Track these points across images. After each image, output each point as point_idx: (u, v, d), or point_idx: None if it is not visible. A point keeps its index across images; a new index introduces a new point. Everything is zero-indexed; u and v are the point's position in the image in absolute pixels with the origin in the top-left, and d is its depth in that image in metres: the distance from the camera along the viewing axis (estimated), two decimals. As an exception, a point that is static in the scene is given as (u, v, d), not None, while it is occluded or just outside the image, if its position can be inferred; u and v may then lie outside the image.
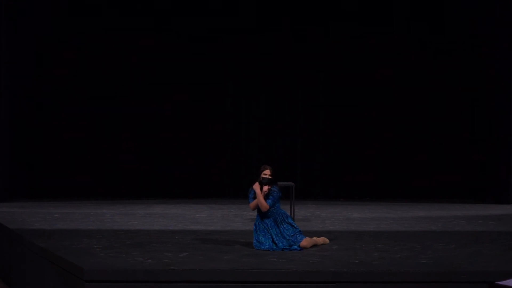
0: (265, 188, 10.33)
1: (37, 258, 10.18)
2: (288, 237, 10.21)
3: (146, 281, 8.47)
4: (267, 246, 10.13)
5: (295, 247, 10.15)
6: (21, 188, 18.35)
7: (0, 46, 17.54)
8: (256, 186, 10.30)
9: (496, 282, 7.44)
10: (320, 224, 13.33)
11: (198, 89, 19.34)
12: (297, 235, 10.28)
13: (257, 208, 10.36)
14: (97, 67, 19.03)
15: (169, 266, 8.75)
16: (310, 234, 11.72)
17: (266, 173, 10.35)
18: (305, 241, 10.28)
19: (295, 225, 10.42)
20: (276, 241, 10.16)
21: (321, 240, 10.60)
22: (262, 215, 10.33)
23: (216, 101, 19.43)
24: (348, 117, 19.45)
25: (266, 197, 10.30)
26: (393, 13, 19.30)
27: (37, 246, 10.25)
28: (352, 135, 19.44)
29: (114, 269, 8.64)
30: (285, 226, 10.29)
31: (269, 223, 10.29)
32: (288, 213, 10.86)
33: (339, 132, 19.50)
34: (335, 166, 19.51)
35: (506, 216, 14.91)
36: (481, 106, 18.86)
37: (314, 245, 10.41)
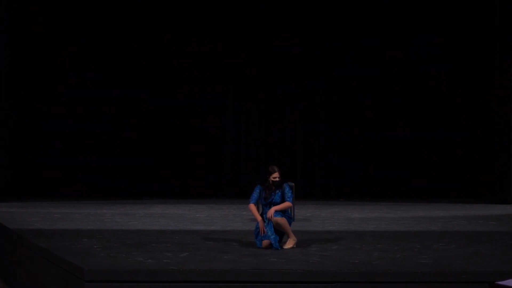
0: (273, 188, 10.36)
1: (37, 258, 10.18)
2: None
3: (146, 281, 8.46)
4: (272, 237, 10.14)
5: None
6: (21, 188, 18.36)
7: (1, 45, 17.55)
8: (254, 211, 10.34)
9: (496, 282, 7.43)
10: (320, 224, 13.33)
11: (198, 89, 19.34)
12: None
13: (264, 206, 10.35)
14: (97, 67, 19.06)
15: (169, 266, 8.75)
16: (310, 234, 11.73)
17: (276, 176, 10.33)
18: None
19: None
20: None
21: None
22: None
23: (216, 101, 19.43)
24: (349, 117, 19.46)
25: (283, 198, 10.31)
26: (394, 12, 19.33)
27: (37, 246, 10.24)
28: (352, 136, 19.44)
29: (114, 269, 8.63)
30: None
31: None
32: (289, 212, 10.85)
33: (339, 133, 19.51)
34: (335, 166, 19.52)
35: (506, 216, 14.91)
36: (481, 107, 18.87)
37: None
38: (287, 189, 10.39)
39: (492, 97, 18.32)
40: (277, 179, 10.31)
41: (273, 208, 10.23)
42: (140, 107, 19.22)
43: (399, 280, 8.52)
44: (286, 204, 10.33)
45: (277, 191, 10.34)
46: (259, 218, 10.32)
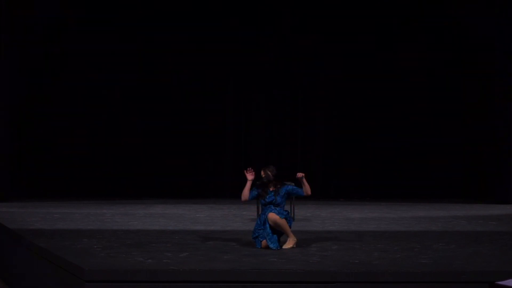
0: (272, 188, 10.38)
1: (37, 258, 10.18)
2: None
3: (146, 281, 8.46)
4: (267, 237, 10.18)
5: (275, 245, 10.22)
6: (21, 188, 18.35)
7: (0, 43, 17.55)
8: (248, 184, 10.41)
9: (496, 282, 7.44)
10: (320, 224, 13.33)
11: (197, 89, 19.34)
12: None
13: (264, 206, 10.39)
14: (96, 67, 19.07)
15: (169, 266, 8.75)
16: (310, 234, 11.73)
17: (262, 174, 10.44)
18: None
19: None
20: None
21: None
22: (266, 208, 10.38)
23: (216, 101, 19.43)
24: (348, 117, 19.46)
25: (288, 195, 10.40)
26: (393, 12, 19.34)
27: (37, 246, 10.24)
28: (352, 135, 19.45)
29: (114, 269, 8.63)
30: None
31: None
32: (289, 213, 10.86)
33: (339, 132, 19.51)
34: (335, 166, 19.51)
35: (506, 216, 14.90)
36: (481, 106, 18.87)
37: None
38: (290, 187, 10.43)
39: (492, 97, 18.31)
40: (262, 175, 10.35)
41: (302, 174, 10.27)
42: (140, 108, 19.22)
43: (399, 280, 8.52)
44: (308, 188, 10.35)
45: (279, 192, 10.34)
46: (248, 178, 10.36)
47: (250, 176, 10.38)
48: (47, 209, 15.65)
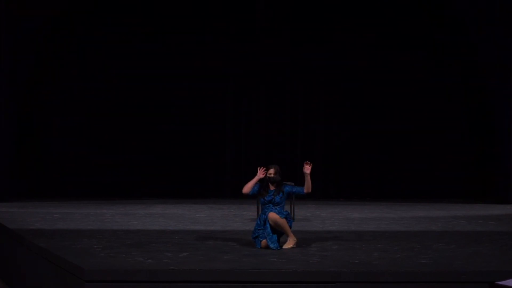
0: (272, 187, 10.39)
1: (37, 258, 10.18)
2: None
3: (146, 281, 8.47)
4: (268, 237, 10.17)
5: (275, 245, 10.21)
6: (21, 188, 18.35)
7: (0, 44, 17.54)
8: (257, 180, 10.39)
9: (496, 282, 7.44)
10: (320, 224, 13.33)
11: (198, 89, 19.34)
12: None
13: (264, 205, 10.39)
14: (96, 68, 19.07)
15: (169, 266, 8.75)
16: (310, 234, 11.73)
17: (271, 173, 10.40)
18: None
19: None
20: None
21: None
22: (267, 209, 10.37)
23: (216, 101, 19.44)
24: (349, 117, 19.46)
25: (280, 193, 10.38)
26: (394, 12, 19.34)
27: (37, 246, 10.25)
28: (352, 136, 19.45)
29: (114, 269, 8.64)
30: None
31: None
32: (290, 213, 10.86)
33: (339, 132, 19.51)
34: (335, 166, 19.51)
35: (506, 216, 14.91)
36: (481, 106, 18.88)
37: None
38: (290, 187, 10.45)
39: (492, 97, 18.31)
40: (272, 175, 10.36)
41: (309, 168, 10.24)
42: (141, 108, 19.22)
43: (399, 280, 8.53)
44: (310, 185, 10.34)
45: (279, 192, 10.35)
46: (259, 174, 10.35)
47: (261, 174, 10.36)
48: (47, 209, 15.65)
